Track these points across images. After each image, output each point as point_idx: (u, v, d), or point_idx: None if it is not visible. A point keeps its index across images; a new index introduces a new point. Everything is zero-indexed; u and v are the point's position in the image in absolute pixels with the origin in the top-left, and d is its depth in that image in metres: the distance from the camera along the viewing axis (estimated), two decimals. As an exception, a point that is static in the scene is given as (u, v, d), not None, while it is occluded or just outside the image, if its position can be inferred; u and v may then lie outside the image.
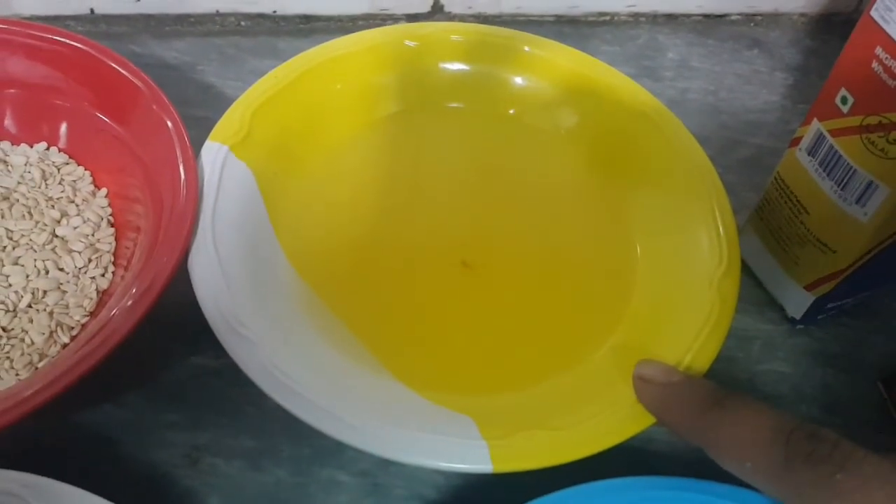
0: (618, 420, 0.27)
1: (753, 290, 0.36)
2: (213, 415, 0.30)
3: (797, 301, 0.34)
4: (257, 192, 0.33)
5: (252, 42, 0.44)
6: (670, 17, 0.48)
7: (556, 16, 0.47)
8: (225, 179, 0.32)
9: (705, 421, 0.24)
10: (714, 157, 0.37)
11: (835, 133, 0.30)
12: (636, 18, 0.48)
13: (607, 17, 0.48)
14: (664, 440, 0.31)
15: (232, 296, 0.28)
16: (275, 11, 0.45)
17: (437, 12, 0.46)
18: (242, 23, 0.45)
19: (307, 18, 0.46)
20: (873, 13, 0.27)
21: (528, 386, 0.30)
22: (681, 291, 0.31)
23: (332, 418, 0.26)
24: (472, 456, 0.26)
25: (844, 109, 0.29)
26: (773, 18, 0.49)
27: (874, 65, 0.27)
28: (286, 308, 0.30)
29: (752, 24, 0.49)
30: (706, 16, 0.48)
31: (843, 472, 0.20)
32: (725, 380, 0.33)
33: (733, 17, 0.49)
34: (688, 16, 0.48)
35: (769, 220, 0.34)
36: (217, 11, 0.45)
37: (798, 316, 0.35)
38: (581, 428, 0.27)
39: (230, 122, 0.33)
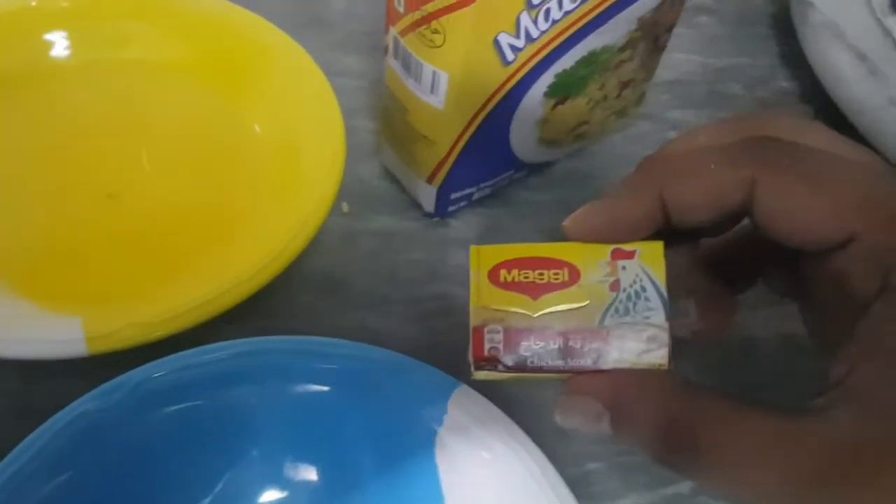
0: (197, 307, 0.30)
1: (399, 196, 0.40)
2: None
3: (426, 195, 0.38)
4: None
5: None
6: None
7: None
8: None
9: None
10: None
11: (402, 34, 0.33)
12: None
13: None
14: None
15: None
16: None
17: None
18: None
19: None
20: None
21: (141, 290, 0.33)
22: (290, 193, 0.35)
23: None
24: (70, 344, 0.29)
25: (402, 10, 0.32)
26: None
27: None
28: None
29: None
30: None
31: None
32: (370, 270, 0.37)
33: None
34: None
35: (390, 126, 0.38)
36: None
37: (431, 210, 0.38)
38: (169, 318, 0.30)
39: None
